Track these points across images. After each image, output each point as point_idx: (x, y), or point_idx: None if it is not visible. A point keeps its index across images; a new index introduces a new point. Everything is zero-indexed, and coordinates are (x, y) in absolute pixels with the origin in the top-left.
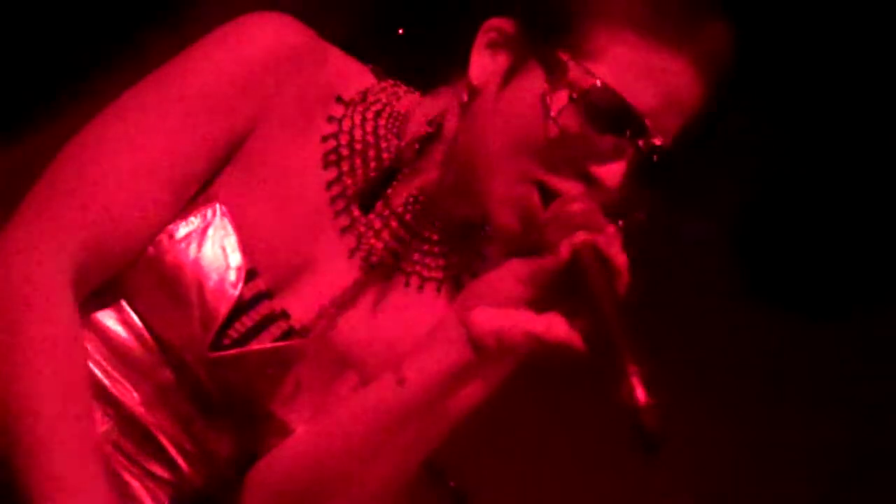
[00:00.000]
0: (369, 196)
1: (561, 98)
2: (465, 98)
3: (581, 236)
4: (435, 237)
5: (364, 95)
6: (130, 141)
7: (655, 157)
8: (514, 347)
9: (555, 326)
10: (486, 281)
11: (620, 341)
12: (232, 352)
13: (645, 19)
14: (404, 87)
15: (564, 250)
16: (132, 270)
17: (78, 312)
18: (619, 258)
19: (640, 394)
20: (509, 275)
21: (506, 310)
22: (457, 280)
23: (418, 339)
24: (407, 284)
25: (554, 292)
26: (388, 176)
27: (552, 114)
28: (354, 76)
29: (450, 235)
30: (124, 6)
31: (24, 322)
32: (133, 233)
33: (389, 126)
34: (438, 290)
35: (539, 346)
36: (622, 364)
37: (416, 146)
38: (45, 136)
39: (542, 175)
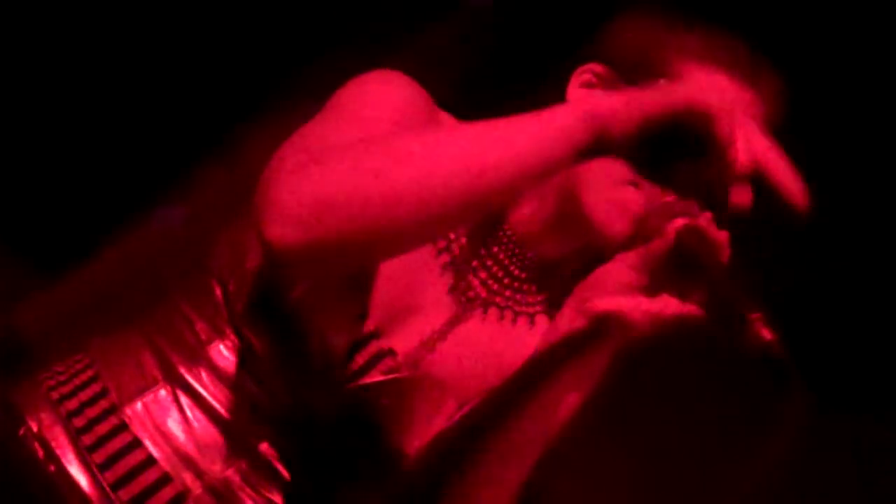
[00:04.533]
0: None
1: None
2: None
3: (682, 220)
4: (525, 275)
5: None
6: None
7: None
8: (635, 327)
9: (669, 303)
10: (599, 273)
11: (738, 297)
12: (349, 386)
13: (720, 57)
14: None
15: (670, 234)
16: (252, 310)
17: None
18: (720, 235)
19: (766, 333)
20: (621, 264)
21: (622, 296)
22: (548, 314)
23: (511, 368)
24: (501, 318)
25: (661, 276)
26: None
27: None
28: None
29: (541, 273)
30: (173, 146)
31: None
32: None
33: None
34: (531, 323)
35: (659, 323)
36: (743, 314)
37: None
38: (88, 271)
39: (636, 177)
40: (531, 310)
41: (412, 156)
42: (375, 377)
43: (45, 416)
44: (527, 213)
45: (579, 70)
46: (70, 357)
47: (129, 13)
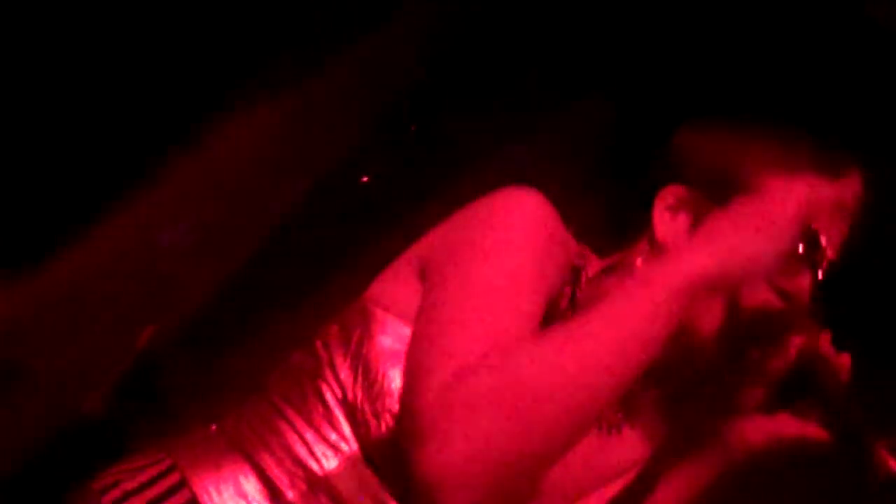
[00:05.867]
0: None
1: None
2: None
3: (801, 339)
4: None
5: (582, 261)
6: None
7: (828, 270)
8: (755, 447)
9: (789, 422)
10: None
11: (861, 423)
12: None
13: (796, 157)
14: (588, 249)
15: (792, 353)
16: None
17: None
18: (842, 357)
19: (894, 463)
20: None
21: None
22: (630, 422)
23: (605, 477)
24: (599, 428)
25: (783, 393)
26: None
27: None
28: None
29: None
30: (138, 138)
31: None
32: None
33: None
34: (619, 432)
35: (778, 442)
36: (868, 442)
37: None
38: (54, 269)
39: None
40: (617, 418)
41: (566, 383)
42: None
43: None
44: None
45: (661, 194)
46: (144, 457)
47: (94, 7)
